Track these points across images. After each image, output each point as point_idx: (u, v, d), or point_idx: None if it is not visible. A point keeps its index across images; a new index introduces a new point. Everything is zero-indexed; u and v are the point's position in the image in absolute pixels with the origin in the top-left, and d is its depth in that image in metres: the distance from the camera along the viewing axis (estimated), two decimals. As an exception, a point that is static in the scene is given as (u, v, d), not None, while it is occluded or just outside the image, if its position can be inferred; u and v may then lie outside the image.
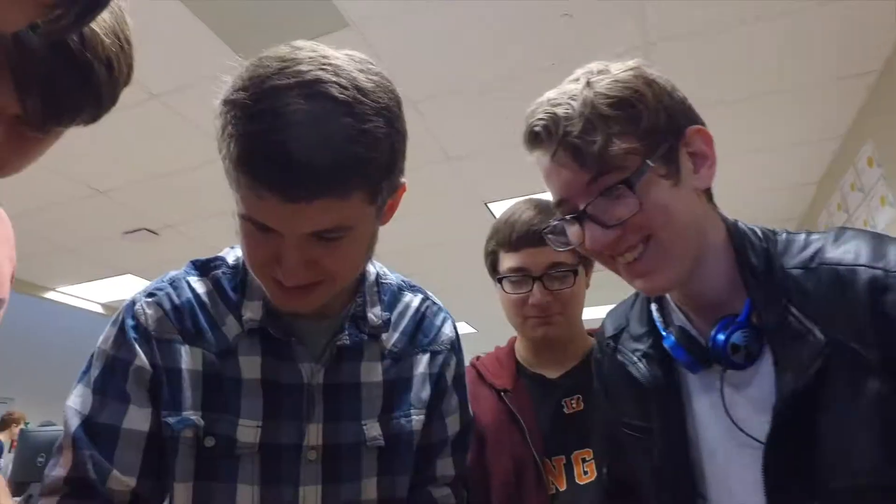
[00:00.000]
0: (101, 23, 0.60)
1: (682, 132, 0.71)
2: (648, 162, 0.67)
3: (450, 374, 0.88)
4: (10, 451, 4.82)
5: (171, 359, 0.74)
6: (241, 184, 0.61)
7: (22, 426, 4.97)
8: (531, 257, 1.06)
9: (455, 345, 0.91)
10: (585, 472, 1.03)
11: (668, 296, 0.80)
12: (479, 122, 2.94)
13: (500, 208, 3.80)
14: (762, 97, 2.80)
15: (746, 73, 2.62)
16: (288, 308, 0.74)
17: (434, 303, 0.93)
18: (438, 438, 0.86)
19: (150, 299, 0.77)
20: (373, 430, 0.78)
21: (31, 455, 2.98)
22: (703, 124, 0.74)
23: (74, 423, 0.71)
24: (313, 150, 0.57)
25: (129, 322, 0.75)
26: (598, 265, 0.85)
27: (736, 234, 0.73)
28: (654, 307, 0.81)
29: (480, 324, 6.52)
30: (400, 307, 0.87)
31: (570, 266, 1.06)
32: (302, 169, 0.57)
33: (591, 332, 1.16)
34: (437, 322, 0.89)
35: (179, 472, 0.71)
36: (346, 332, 0.79)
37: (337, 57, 0.62)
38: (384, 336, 0.83)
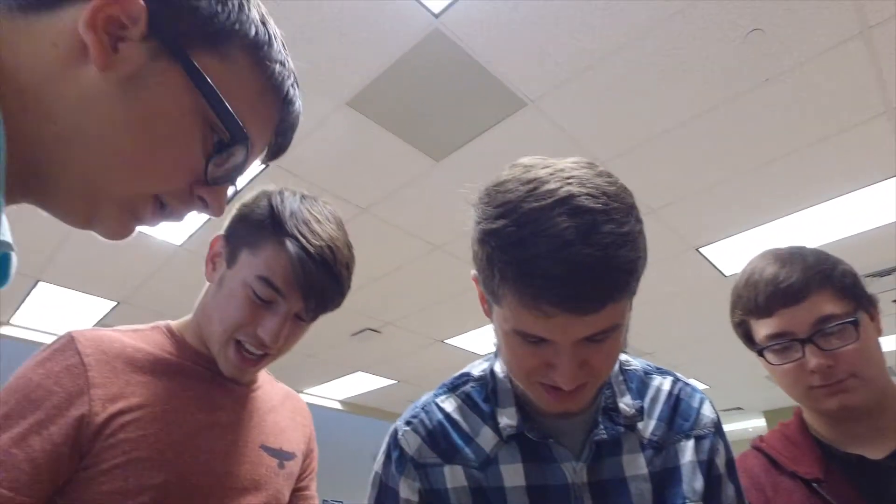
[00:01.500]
0: (338, 239, 0.87)
1: None
2: None
3: (720, 460, 0.80)
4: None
5: (436, 481, 0.76)
6: (517, 304, 0.62)
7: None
8: (790, 318, 0.89)
9: (718, 427, 0.82)
10: None
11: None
12: (674, 167, 2.73)
13: (712, 252, 3.45)
14: None
15: None
16: (557, 410, 0.73)
17: (686, 384, 0.85)
18: None
19: (407, 427, 0.81)
20: None
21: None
22: None
23: None
24: (592, 264, 0.58)
25: (395, 453, 0.80)
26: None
27: None
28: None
29: (711, 378, 5.84)
30: (651, 393, 0.82)
31: (843, 317, 0.86)
32: (588, 284, 0.58)
33: None
34: (695, 404, 0.83)
35: None
36: (602, 427, 0.76)
37: (571, 168, 0.64)
38: (640, 425, 0.78)
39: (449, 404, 0.82)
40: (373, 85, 2.24)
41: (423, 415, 0.82)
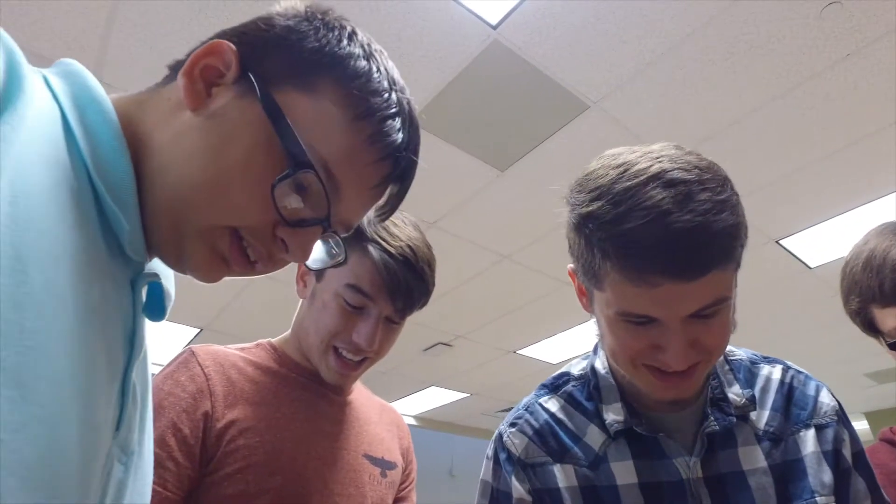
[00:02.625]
0: (417, 239, 0.89)
1: None
2: None
3: (847, 451, 0.75)
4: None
5: (547, 480, 0.76)
6: (622, 279, 0.62)
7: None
8: None
9: (842, 415, 0.78)
10: None
11: None
12: (745, 158, 2.62)
13: (794, 243, 3.27)
14: None
15: None
16: (668, 396, 0.71)
17: (799, 371, 0.82)
18: None
19: (513, 429, 0.81)
20: None
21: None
22: None
23: None
24: (692, 228, 0.58)
25: (503, 455, 0.80)
26: None
27: None
28: None
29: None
30: (760, 382, 0.79)
31: None
32: (692, 247, 0.58)
33: None
34: (811, 392, 0.79)
35: None
36: (712, 418, 0.74)
37: (658, 149, 0.65)
38: (753, 416, 0.76)
39: (552, 404, 0.82)
40: (435, 101, 2.28)
41: (527, 416, 0.82)
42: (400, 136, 0.53)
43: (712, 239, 0.59)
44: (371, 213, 0.59)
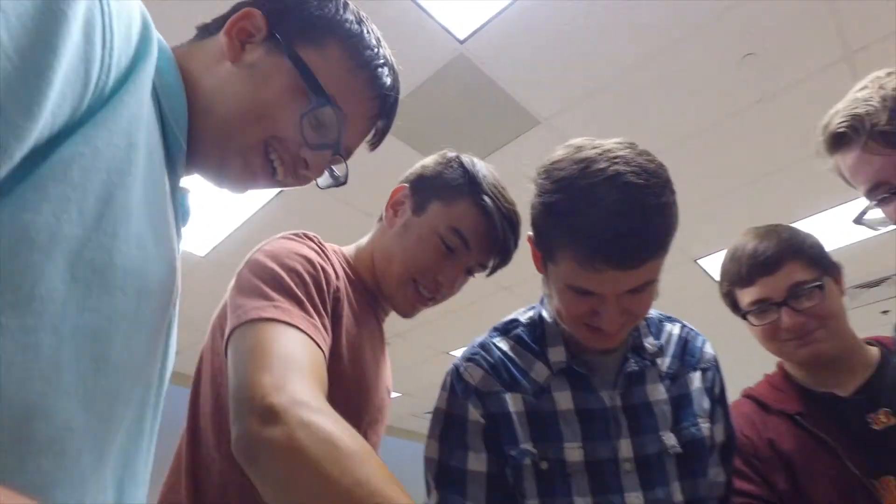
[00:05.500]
0: (502, 190, 0.96)
1: None
2: None
3: (717, 388, 0.99)
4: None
5: (499, 406, 0.90)
6: (574, 263, 0.76)
7: None
8: (768, 286, 1.05)
9: (716, 362, 1.01)
10: None
11: None
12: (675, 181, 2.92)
13: (709, 263, 3.63)
14: None
15: None
16: (600, 346, 0.89)
17: (691, 329, 1.04)
18: (711, 444, 0.95)
19: (470, 363, 0.94)
20: (670, 439, 0.89)
21: None
22: None
23: (432, 469, 0.90)
24: (637, 229, 0.73)
25: (460, 386, 0.92)
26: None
27: None
28: None
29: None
30: (664, 336, 1.00)
31: (812, 282, 1.03)
32: (634, 245, 0.73)
33: (871, 341, 1.09)
34: (699, 344, 1.01)
35: (528, 491, 0.86)
36: (632, 361, 0.93)
37: (616, 148, 0.78)
38: (659, 361, 0.96)
39: (504, 344, 0.96)
40: (400, 105, 2.42)
41: (482, 352, 0.96)
42: (388, 80, 0.69)
43: (652, 238, 0.74)
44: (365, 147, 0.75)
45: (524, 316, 1.02)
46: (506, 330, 1.00)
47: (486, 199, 0.92)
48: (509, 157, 2.73)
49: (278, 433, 0.57)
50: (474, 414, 0.90)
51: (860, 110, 0.81)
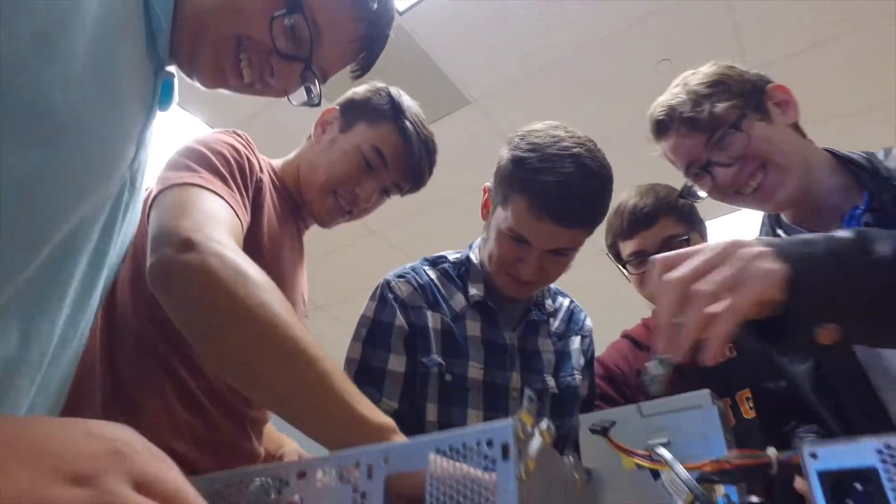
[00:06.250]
0: (433, 136, 1.05)
1: (765, 89, 0.96)
2: (745, 111, 0.92)
3: (590, 353, 1.21)
4: None
5: (421, 319, 1.04)
6: (525, 210, 0.92)
7: None
8: (645, 238, 1.20)
9: (591, 333, 1.22)
10: (751, 409, 1.11)
11: (787, 220, 0.97)
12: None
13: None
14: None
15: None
16: (513, 294, 1.06)
17: (577, 304, 1.25)
18: (579, 394, 1.15)
19: (401, 280, 1.08)
20: (550, 381, 1.08)
21: None
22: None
23: (352, 368, 1.01)
24: (584, 196, 0.93)
25: (389, 295, 1.06)
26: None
27: (836, 153, 0.94)
28: (780, 232, 0.98)
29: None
30: (557, 303, 1.21)
31: (681, 235, 1.19)
32: (579, 207, 0.94)
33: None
34: (581, 316, 1.23)
35: (430, 396, 0.99)
36: (533, 312, 1.12)
37: (582, 138, 0.98)
38: (551, 321, 1.16)
39: (432, 273, 1.12)
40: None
41: (413, 273, 1.10)
42: (376, 5, 0.68)
43: (589, 209, 0.95)
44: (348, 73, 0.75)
45: (452, 256, 1.17)
46: (435, 262, 1.15)
47: (408, 124, 1.01)
48: (437, 134, 2.78)
49: (193, 257, 0.62)
50: (400, 321, 1.03)
51: (672, 102, 0.98)
